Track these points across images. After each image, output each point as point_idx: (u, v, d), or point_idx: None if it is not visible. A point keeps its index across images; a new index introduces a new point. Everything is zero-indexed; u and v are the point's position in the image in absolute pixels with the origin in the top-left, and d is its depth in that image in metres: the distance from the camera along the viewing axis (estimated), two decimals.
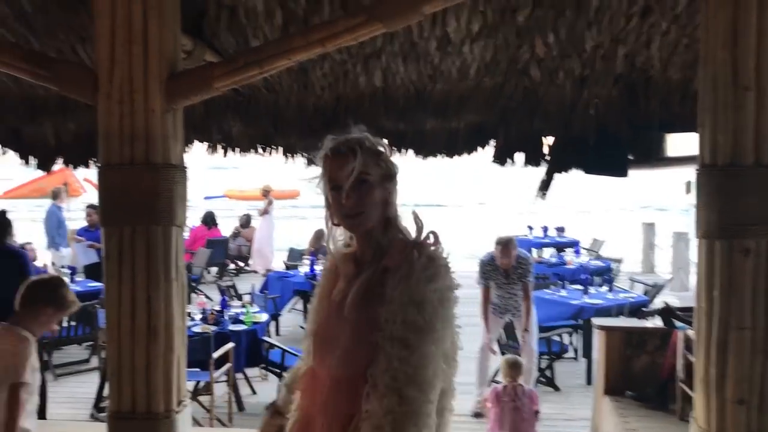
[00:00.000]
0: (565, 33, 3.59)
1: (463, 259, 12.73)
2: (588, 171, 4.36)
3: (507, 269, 5.95)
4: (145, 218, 2.54)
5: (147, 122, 2.52)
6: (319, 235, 9.96)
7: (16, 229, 6.32)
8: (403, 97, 4.03)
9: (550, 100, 4.03)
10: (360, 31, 2.54)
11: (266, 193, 13.18)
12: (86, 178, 14.69)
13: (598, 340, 5.46)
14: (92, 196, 12.99)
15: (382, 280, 1.66)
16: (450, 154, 4.29)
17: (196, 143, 4.39)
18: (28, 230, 12.78)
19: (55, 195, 11.03)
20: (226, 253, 12.76)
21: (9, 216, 6.06)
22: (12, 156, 4.49)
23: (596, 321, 5.69)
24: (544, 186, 4.16)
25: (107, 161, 2.55)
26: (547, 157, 4.16)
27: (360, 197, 1.68)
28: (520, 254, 6.03)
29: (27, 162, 4.45)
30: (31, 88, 3.89)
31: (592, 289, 7.61)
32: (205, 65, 3.06)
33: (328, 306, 1.80)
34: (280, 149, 4.65)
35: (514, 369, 4.59)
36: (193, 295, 9.16)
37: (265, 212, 13.08)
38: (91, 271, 9.38)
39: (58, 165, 4.62)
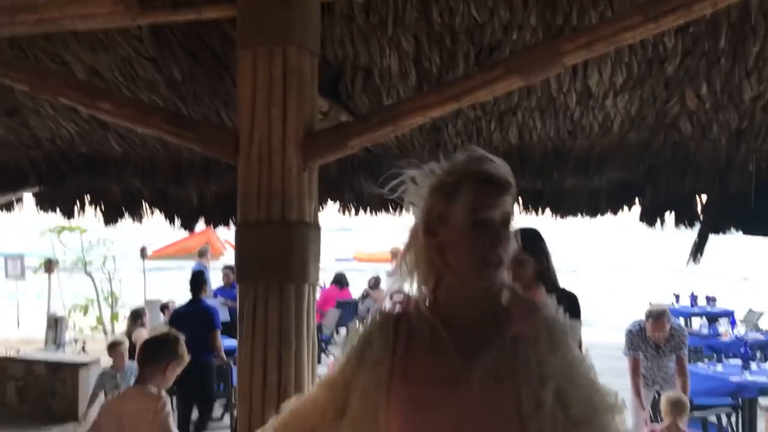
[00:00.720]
0: (719, 83, 3.33)
1: (607, 329, 12.01)
2: (748, 232, 3.95)
3: (658, 342, 5.55)
4: (279, 276, 2.53)
5: (284, 181, 2.53)
6: None
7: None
8: (540, 154, 3.87)
9: (702, 156, 3.72)
10: (497, 85, 2.45)
11: (395, 255, 13.23)
12: (226, 240, 15.48)
13: (766, 423, 4.85)
14: (232, 257, 13.59)
15: (515, 352, 1.36)
16: (591, 214, 4.04)
17: (330, 203, 4.44)
18: (174, 288, 13.54)
19: (201, 254, 11.64)
20: (356, 315, 12.84)
21: (204, 275, 6.50)
22: (158, 216, 4.73)
23: (764, 401, 5.06)
24: (698, 249, 3.79)
25: (245, 219, 2.58)
26: (701, 217, 3.81)
27: (506, 244, 1.37)
28: (674, 325, 5.58)
29: (172, 222, 4.68)
30: (177, 150, 4.11)
31: (753, 365, 6.85)
32: (340, 124, 3.08)
33: (429, 385, 1.39)
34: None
35: (676, 407, 4.14)
36: (323, 356, 9.20)
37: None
38: (224, 329, 9.71)
39: (201, 225, 4.81)
